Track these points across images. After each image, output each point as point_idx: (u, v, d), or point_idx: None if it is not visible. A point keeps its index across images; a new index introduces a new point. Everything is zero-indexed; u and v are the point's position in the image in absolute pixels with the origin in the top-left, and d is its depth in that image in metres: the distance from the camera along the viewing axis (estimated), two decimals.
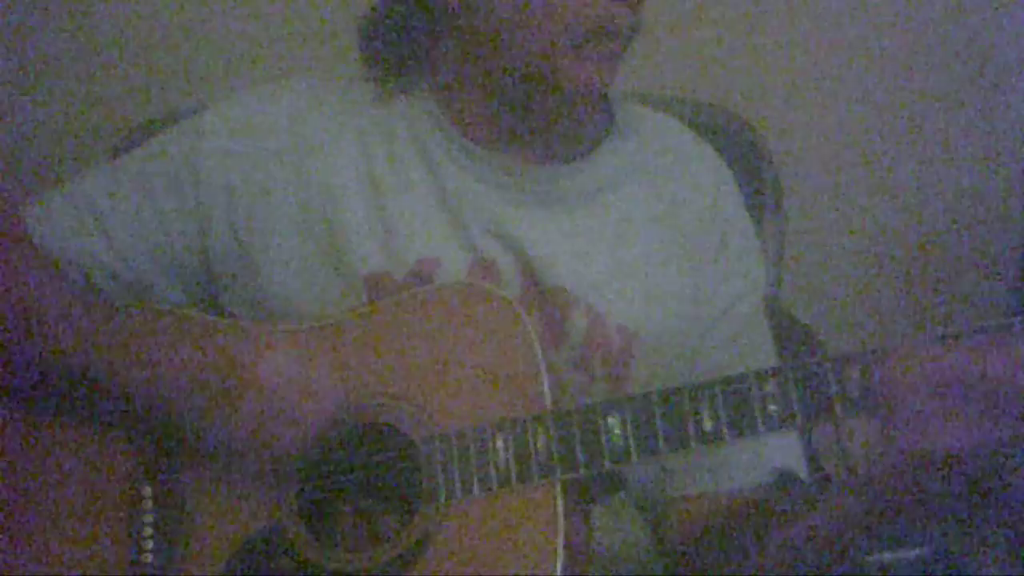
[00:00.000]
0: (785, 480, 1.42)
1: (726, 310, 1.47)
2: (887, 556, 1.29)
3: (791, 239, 1.88)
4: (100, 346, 1.35)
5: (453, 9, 1.40)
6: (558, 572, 1.23)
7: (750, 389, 1.24)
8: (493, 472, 1.28)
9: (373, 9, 1.47)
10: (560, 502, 1.26)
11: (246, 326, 1.40)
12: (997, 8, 2.21)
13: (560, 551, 1.24)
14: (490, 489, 1.28)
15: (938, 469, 1.16)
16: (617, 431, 1.27)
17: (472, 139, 1.45)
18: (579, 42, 1.35)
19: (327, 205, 1.44)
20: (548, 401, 1.30)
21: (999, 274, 2.29)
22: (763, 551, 1.36)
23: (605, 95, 1.49)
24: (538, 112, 1.43)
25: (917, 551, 1.28)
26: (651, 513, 1.49)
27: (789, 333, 1.77)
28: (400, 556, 1.27)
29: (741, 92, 2.18)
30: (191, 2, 2.13)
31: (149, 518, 1.35)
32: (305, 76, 1.54)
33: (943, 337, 1.18)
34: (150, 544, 1.34)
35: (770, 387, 1.24)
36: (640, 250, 1.46)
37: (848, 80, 2.24)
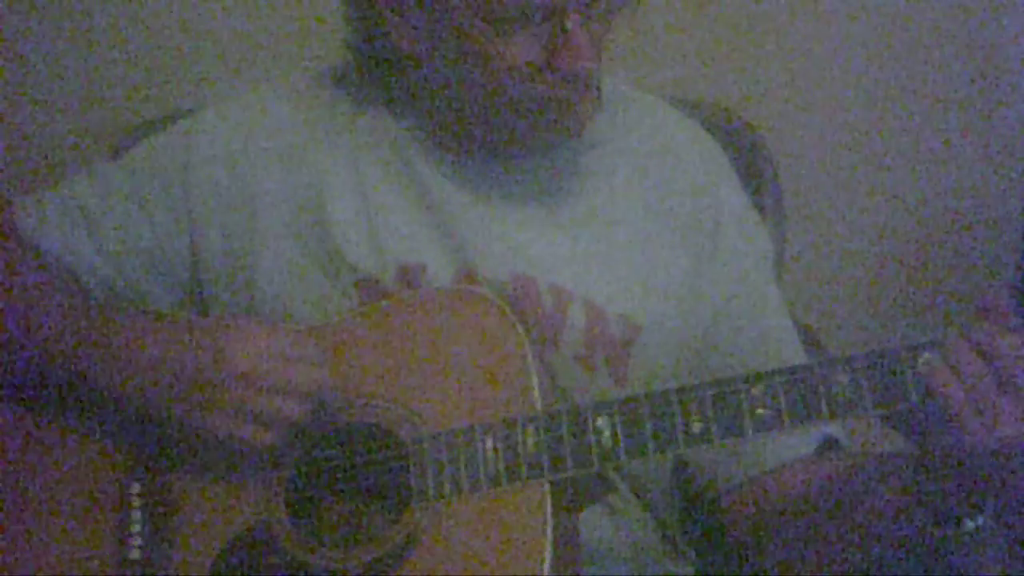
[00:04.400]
0: (828, 447, 1.40)
1: (731, 297, 1.46)
2: (949, 530, 1.28)
3: (791, 239, 1.88)
4: (86, 347, 1.35)
5: (407, 59, 1.41)
6: (546, 572, 1.24)
7: (739, 392, 1.25)
8: (482, 472, 1.28)
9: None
10: (549, 502, 1.26)
11: (228, 321, 1.38)
12: (997, 8, 2.21)
13: (548, 551, 1.24)
14: (479, 489, 1.28)
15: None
16: (606, 432, 1.27)
17: (448, 149, 1.45)
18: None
19: (318, 208, 1.44)
20: (538, 403, 1.30)
21: (999, 274, 2.29)
22: (826, 535, 1.35)
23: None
24: (509, 131, 1.43)
25: (976, 522, 1.27)
26: (677, 511, 1.50)
27: None
28: (388, 555, 1.28)
29: (741, 92, 2.19)
30: (191, 2, 2.13)
31: (137, 515, 1.35)
32: (294, 77, 1.54)
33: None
34: (138, 541, 1.34)
35: (758, 390, 1.24)
36: (632, 237, 1.45)
37: (848, 80, 2.24)
